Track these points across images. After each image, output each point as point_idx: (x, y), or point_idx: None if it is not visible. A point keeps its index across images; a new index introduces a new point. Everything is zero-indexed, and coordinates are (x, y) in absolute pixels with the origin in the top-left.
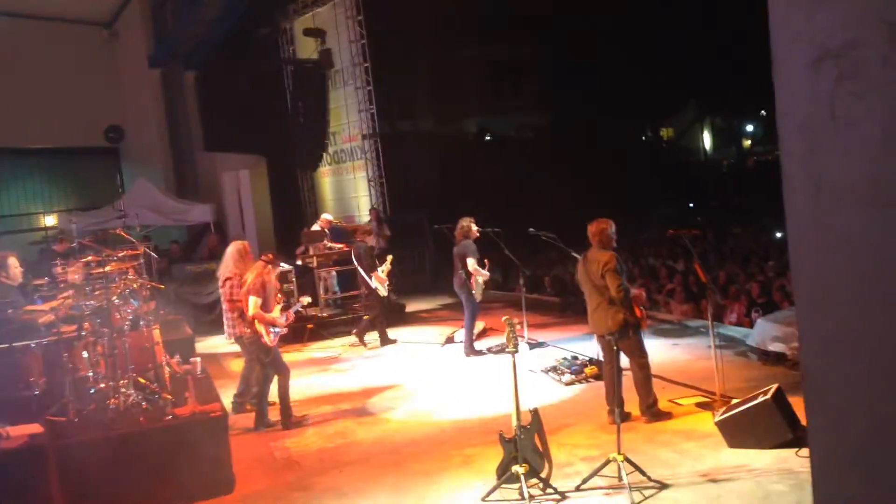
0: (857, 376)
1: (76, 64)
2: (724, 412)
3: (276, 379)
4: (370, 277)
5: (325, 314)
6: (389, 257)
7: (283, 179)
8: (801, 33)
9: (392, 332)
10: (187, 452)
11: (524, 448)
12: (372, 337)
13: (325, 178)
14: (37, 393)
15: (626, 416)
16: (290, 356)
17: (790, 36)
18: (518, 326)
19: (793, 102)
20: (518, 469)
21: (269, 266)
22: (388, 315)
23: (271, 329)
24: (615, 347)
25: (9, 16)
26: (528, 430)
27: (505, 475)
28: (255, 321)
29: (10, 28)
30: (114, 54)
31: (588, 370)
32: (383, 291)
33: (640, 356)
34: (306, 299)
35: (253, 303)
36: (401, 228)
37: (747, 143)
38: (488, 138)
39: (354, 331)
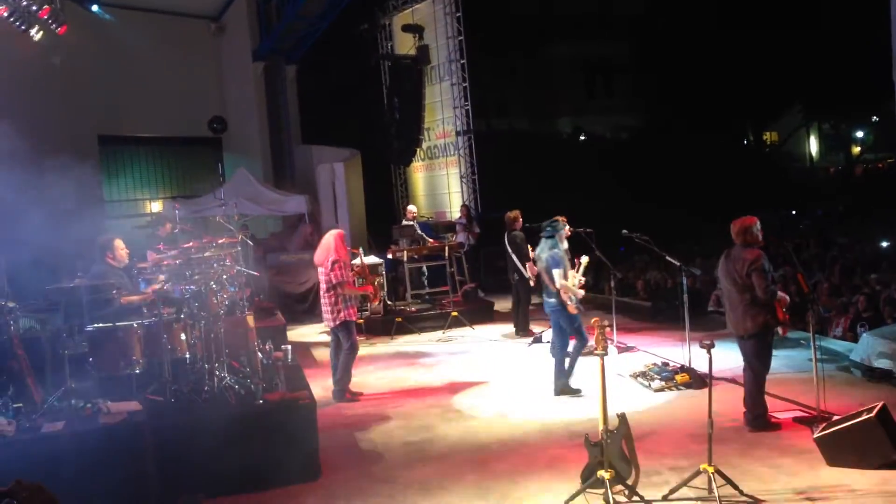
0: None
1: (184, 56)
2: (824, 428)
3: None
4: (524, 266)
5: (413, 308)
6: (585, 259)
7: (376, 173)
8: None
9: (479, 330)
10: (276, 437)
11: (610, 453)
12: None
13: (418, 173)
14: (137, 371)
15: (765, 424)
16: (378, 349)
17: None
18: (607, 329)
19: None
20: (604, 474)
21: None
22: (476, 313)
23: (570, 297)
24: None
25: (122, 8)
26: (615, 435)
27: (590, 479)
28: (561, 292)
29: (123, 20)
30: (220, 48)
31: (679, 377)
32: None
33: (760, 364)
34: (585, 258)
35: (557, 274)
36: (492, 226)
37: (856, 149)
38: (583, 138)
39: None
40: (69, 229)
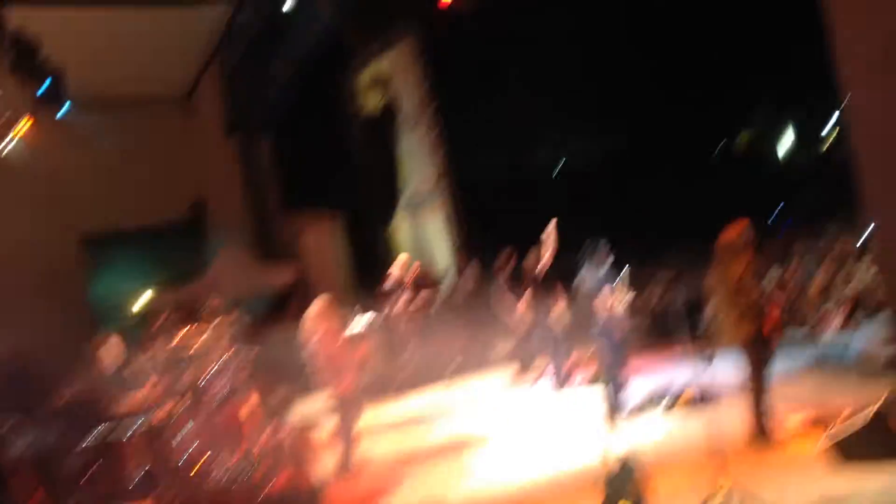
0: None
1: (156, 141)
2: (833, 429)
3: None
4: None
5: (411, 367)
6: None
7: (359, 233)
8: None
9: (480, 380)
10: None
11: (622, 490)
12: None
13: (402, 225)
14: (136, 481)
15: (769, 435)
16: (378, 411)
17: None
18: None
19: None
20: None
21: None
22: (476, 363)
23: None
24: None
25: (89, 101)
26: (625, 470)
27: None
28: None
29: (91, 114)
30: (191, 128)
31: (682, 399)
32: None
33: (760, 373)
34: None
35: (602, 299)
36: (482, 266)
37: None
38: (560, 168)
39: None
40: (58, 338)
